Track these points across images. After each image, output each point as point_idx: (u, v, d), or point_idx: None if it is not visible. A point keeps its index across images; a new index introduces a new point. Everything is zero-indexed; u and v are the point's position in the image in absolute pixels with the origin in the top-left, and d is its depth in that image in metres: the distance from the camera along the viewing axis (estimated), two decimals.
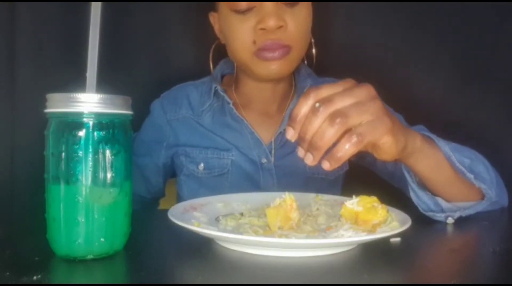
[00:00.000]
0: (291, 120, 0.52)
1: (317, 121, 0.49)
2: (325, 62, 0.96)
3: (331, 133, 0.49)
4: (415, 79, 1.01)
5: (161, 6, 0.97)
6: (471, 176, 0.64)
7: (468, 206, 0.65)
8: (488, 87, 0.98)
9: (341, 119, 0.48)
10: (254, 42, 0.75)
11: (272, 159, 0.84)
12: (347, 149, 0.49)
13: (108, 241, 0.45)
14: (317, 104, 0.50)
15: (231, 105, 0.84)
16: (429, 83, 1.01)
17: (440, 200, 0.64)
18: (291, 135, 0.52)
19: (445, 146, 0.63)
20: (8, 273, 0.41)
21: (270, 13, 0.73)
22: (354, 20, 1.02)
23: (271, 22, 0.72)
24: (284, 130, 0.82)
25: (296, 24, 0.75)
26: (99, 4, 0.46)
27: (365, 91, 0.52)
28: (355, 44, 1.02)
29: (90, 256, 0.45)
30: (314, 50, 0.85)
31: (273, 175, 0.83)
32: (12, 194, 0.88)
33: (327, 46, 1.01)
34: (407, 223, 0.50)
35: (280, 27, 0.73)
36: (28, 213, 0.65)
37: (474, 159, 0.67)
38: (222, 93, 0.84)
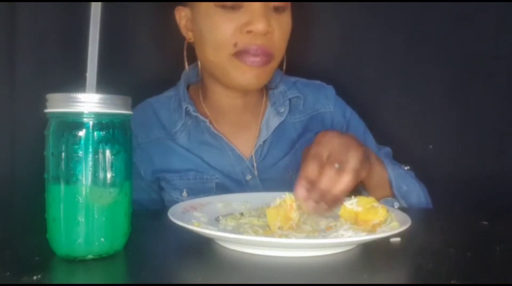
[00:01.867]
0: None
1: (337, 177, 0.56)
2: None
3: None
4: (414, 81, 1.01)
5: (161, 6, 0.97)
6: (402, 202, 0.74)
7: None
8: (488, 89, 0.98)
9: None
10: (235, 45, 0.70)
11: (256, 173, 0.81)
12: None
13: (108, 241, 0.45)
14: (337, 165, 0.56)
15: (207, 124, 0.80)
16: (428, 86, 1.01)
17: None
18: (303, 194, 0.56)
19: (391, 172, 0.73)
20: (8, 273, 0.41)
21: (260, 16, 0.69)
22: (348, 18, 1.02)
23: (261, 26, 0.68)
24: (264, 142, 0.82)
25: (281, 32, 0.73)
26: (99, 4, 0.46)
27: (346, 140, 0.61)
28: (353, 42, 1.02)
29: (90, 256, 0.45)
30: (284, 64, 0.81)
31: (261, 191, 0.79)
32: (12, 194, 0.88)
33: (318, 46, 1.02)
34: (407, 223, 0.50)
35: (268, 33, 0.70)
36: (28, 213, 0.65)
37: (411, 188, 0.76)
38: (195, 114, 0.80)
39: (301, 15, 0.89)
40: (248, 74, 0.72)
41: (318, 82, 0.91)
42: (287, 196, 0.53)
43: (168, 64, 1.00)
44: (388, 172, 0.73)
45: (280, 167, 0.83)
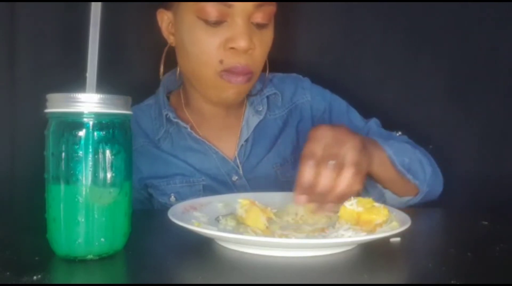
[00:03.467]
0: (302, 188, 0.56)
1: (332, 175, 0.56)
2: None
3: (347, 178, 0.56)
4: (413, 80, 1.01)
5: (160, 6, 0.97)
6: (410, 177, 0.72)
7: (406, 200, 0.76)
8: (488, 88, 0.98)
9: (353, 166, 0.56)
10: (221, 62, 0.71)
11: (242, 173, 0.81)
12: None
13: (108, 241, 0.45)
14: (332, 162, 0.55)
15: (189, 129, 0.80)
16: (428, 85, 1.01)
17: (387, 193, 0.75)
18: (303, 200, 0.56)
19: (389, 150, 0.70)
20: (8, 273, 0.41)
21: (243, 33, 0.69)
22: (350, 19, 1.02)
23: (243, 43, 0.69)
24: (245, 141, 0.82)
25: (262, 48, 0.73)
26: (99, 4, 0.46)
27: (340, 133, 0.60)
28: (352, 42, 1.02)
29: (90, 256, 0.45)
30: (267, 69, 0.80)
31: (248, 190, 0.79)
32: (12, 194, 0.88)
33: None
34: (407, 223, 0.50)
35: (250, 49, 0.71)
36: (28, 213, 0.65)
37: (412, 158, 0.74)
38: (175, 120, 0.80)
39: (300, 15, 0.89)
40: (229, 91, 0.74)
41: (294, 74, 0.91)
42: (241, 201, 0.56)
43: (168, 64, 1.01)
44: (386, 151, 0.70)
45: (265, 164, 0.83)
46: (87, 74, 0.45)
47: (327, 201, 0.56)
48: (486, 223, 0.64)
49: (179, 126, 0.81)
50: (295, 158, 0.85)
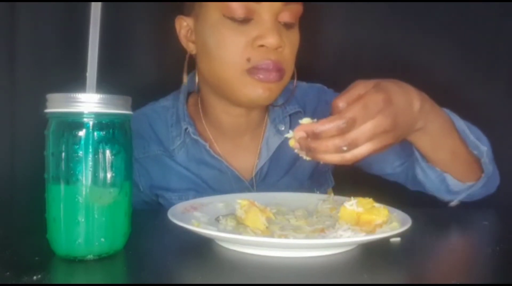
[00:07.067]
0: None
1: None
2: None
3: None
4: (415, 81, 1.01)
5: (161, 6, 0.98)
6: (475, 140, 0.68)
7: (469, 186, 0.70)
8: (489, 87, 0.98)
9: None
10: (249, 60, 0.67)
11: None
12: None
13: (108, 241, 0.45)
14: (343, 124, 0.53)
15: (207, 147, 0.77)
16: (429, 84, 1.01)
17: (448, 177, 0.68)
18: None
19: (451, 113, 0.66)
20: (8, 273, 0.41)
21: (272, 30, 0.66)
22: (353, 18, 1.02)
23: (273, 40, 0.65)
24: (264, 164, 0.78)
25: (291, 47, 0.70)
26: (99, 4, 0.46)
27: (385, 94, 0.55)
28: (355, 41, 1.02)
29: (90, 256, 0.45)
30: (295, 77, 0.76)
31: None
32: (12, 194, 0.88)
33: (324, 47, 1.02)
34: (407, 223, 0.50)
35: (280, 47, 0.67)
36: (28, 213, 0.65)
37: (472, 129, 0.70)
38: (195, 137, 0.77)
39: (311, 18, 0.88)
40: (260, 89, 0.68)
41: (319, 85, 0.87)
42: (240, 202, 0.55)
43: (168, 64, 1.01)
44: (448, 113, 0.66)
45: (280, 187, 0.79)
46: (87, 74, 0.45)
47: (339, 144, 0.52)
48: (486, 223, 0.64)
49: (197, 141, 0.78)
50: (311, 182, 0.82)
